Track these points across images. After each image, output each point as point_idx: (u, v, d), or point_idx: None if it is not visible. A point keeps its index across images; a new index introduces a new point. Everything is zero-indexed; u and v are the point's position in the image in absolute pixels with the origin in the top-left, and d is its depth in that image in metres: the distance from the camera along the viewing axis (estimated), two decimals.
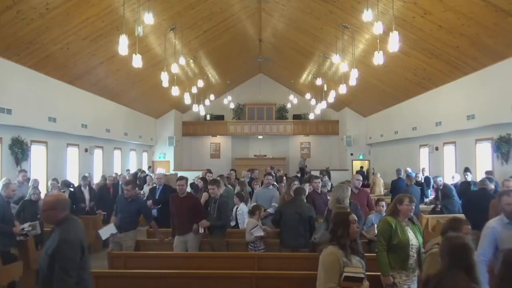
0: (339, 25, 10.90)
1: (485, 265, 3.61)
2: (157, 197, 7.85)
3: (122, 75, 12.57)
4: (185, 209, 6.04)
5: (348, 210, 4.48)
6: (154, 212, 7.75)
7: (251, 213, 6.36)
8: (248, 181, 9.99)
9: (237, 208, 7.50)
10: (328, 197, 7.46)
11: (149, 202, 7.51)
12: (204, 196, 7.97)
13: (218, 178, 8.08)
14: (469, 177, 9.33)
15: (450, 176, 10.69)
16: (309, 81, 17.87)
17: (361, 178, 7.32)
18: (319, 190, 7.03)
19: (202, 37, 13.09)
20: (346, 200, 5.39)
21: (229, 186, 8.75)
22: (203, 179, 8.64)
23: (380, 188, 13.76)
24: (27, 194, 7.80)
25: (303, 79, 18.66)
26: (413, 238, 4.06)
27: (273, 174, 10.45)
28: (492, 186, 7.18)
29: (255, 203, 7.41)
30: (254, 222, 6.10)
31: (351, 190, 6.52)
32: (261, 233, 5.97)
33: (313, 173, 13.74)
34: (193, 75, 15.69)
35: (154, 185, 8.88)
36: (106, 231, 5.97)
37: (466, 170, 9.59)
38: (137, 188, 8.74)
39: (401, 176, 11.06)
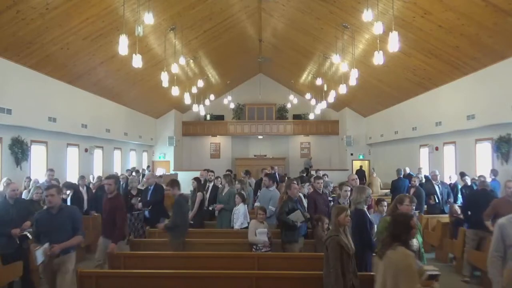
0: (339, 25, 10.90)
1: (500, 260, 3.66)
2: (148, 198, 7.74)
3: (122, 75, 12.57)
4: (108, 210, 5.77)
5: (347, 209, 4.49)
6: (146, 213, 7.64)
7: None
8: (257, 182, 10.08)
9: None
10: (329, 198, 7.52)
11: (139, 204, 7.40)
12: (199, 196, 8.01)
13: (196, 180, 8.15)
14: (469, 180, 9.34)
15: (447, 176, 10.73)
16: (309, 81, 17.87)
17: (356, 177, 7.33)
18: (321, 190, 7.05)
19: (202, 37, 13.09)
20: (362, 203, 5.35)
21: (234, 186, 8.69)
22: (196, 179, 8.68)
23: (378, 188, 13.74)
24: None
25: (303, 79, 18.66)
26: (413, 239, 4.07)
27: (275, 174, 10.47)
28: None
29: (257, 204, 7.45)
30: (256, 224, 6.16)
31: (351, 189, 6.56)
32: (264, 238, 5.97)
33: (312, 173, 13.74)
34: (193, 75, 15.69)
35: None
36: (42, 254, 4.47)
37: (462, 174, 9.65)
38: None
39: (401, 176, 11.05)
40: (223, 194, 7.86)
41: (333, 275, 4.02)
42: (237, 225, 7.20)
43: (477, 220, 6.52)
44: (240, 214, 7.24)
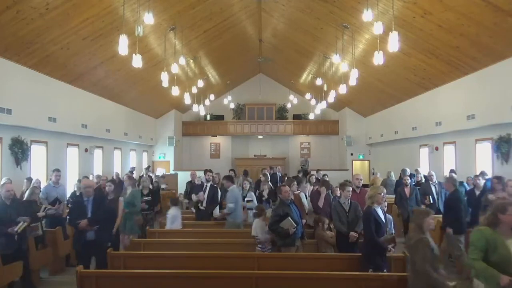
0: (339, 25, 10.90)
1: None
2: (89, 215, 5.76)
3: (122, 75, 12.57)
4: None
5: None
6: (92, 235, 5.71)
7: (257, 214, 6.48)
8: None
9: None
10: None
11: (83, 222, 5.64)
12: (120, 201, 7.73)
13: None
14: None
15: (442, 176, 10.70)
16: (309, 81, 17.87)
17: (361, 177, 7.34)
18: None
19: (202, 37, 13.09)
20: (369, 201, 5.28)
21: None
22: (111, 181, 8.75)
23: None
24: (64, 195, 7.95)
25: (303, 79, 18.66)
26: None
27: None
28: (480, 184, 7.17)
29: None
30: (262, 223, 6.21)
31: (352, 189, 6.55)
32: (267, 235, 6.07)
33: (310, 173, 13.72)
34: (193, 75, 15.69)
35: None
36: None
37: (482, 174, 8.89)
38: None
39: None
40: (127, 195, 7.80)
41: (424, 276, 3.83)
42: (168, 227, 7.58)
43: (474, 222, 6.52)
44: (175, 217, 7.58)
